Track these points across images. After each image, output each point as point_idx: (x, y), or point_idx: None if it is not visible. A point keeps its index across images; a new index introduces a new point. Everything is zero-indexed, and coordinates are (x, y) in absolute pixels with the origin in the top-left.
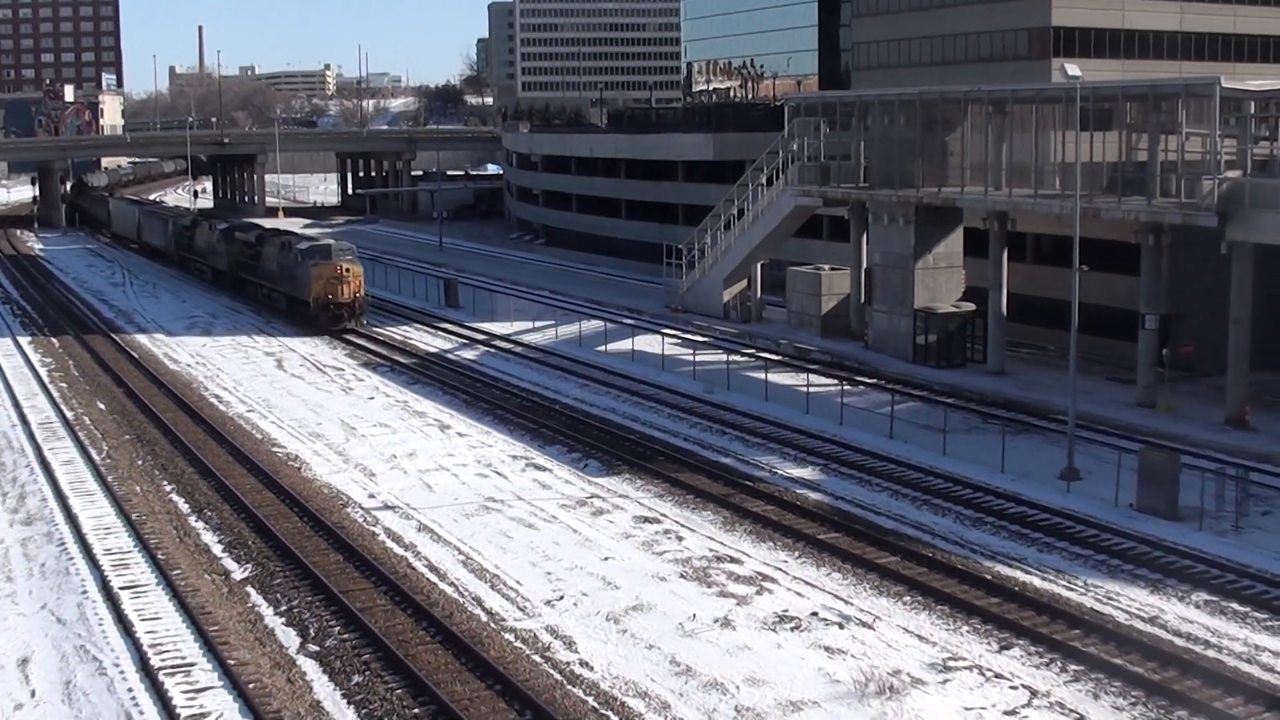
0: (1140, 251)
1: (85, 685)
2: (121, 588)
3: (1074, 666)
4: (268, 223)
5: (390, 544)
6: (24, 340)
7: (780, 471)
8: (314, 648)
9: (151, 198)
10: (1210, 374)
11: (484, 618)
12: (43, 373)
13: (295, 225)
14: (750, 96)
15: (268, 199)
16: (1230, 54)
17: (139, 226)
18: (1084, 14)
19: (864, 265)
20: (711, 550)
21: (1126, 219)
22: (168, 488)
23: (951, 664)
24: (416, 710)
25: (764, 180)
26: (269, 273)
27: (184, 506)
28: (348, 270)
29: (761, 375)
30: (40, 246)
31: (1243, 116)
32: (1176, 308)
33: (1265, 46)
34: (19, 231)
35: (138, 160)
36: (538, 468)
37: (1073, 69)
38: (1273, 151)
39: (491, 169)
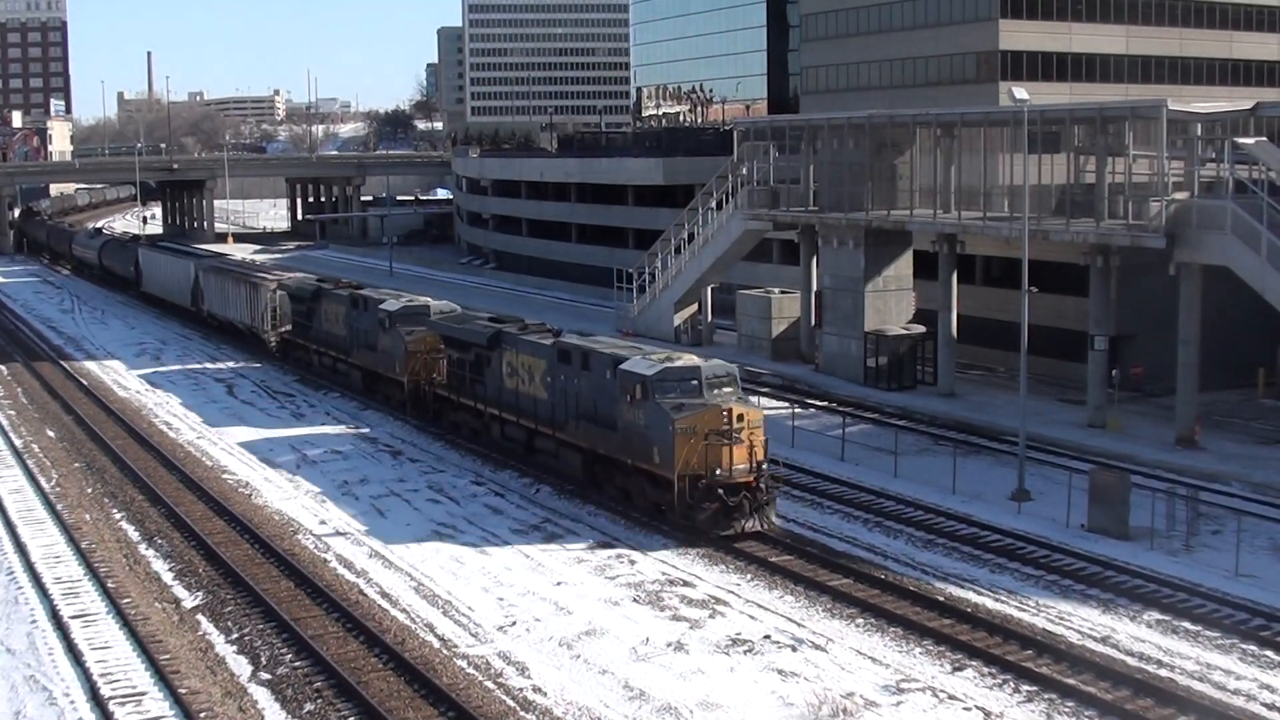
0: (1089, 273)
1: (35, 716)
2: (71, 617)
3: (1027, 687)
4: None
5: (342, 570)
6: None
7: None
8: (266, 676)
9: (100, 224)
10: (1159, 394)
11: (436, 644)
12: None
13: (245, 251)
14: (700, 121)
15: (217, 225)
16: (1177, 77)
17: (199, 291)
18: (1031, 38)
19: (814, 288)
20: (664, 574)
21: (1075, 241)
22: (117, 516)
23: (905, 686)
24: None
25: (714, 204)
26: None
27: (134, 534)
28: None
29: None
30: None
31: (1189, 139)
32: (1125, 329)
33: (1211, 69)
34: None
35: (86, 186)
36: (491, 493)
37: (1020, 92)
38: (1219, 173)
39: (441, 194)
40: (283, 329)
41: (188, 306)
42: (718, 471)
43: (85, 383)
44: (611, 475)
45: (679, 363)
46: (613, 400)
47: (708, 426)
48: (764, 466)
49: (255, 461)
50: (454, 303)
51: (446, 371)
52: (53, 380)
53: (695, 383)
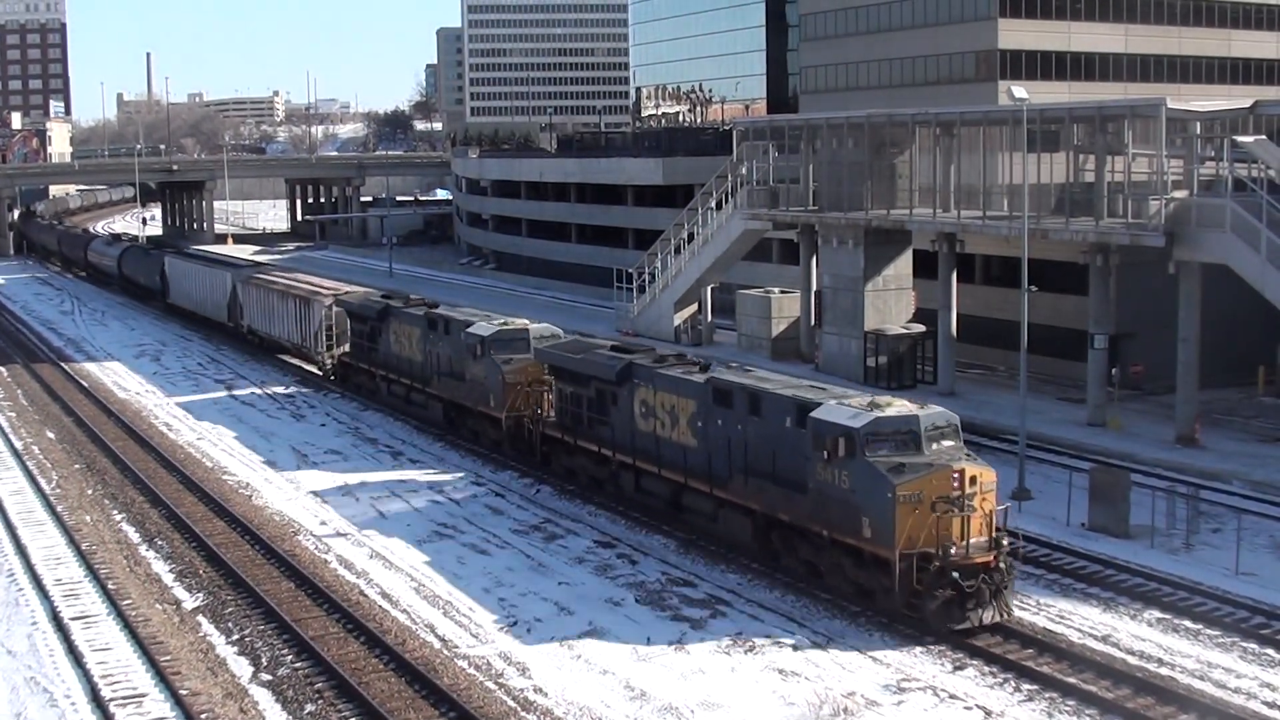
0: (1089, 272)
1: (36, 717)
2: (72, 618)
3: (1028, 686)
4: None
5: (342, 571)
6: None
7: None
8: (266, 677)
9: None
10: (1159, 392)
11: (437, 644)
12: None
13: (245, 251)
14: (699, 121)
15: (217, 226)
16: (1176, 75)
17: (237, 304)
18: (1030, 37)
19: (814, 288)
20: (665, 574)
21: (1074, 240)
22: (118, 517)
23: (906, 685)
24: None
25: (713, 204)
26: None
27: (135, 536)
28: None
29: None
30: None
31: (1188, 137)
32: (1125, 327)
33: (1210, 68)
34: None
35: (85, 188)
36: (491, 493)
37: (1019, 91)
38: (1218, 172)
39: (441, 194)
40: (340, 350)
41: (223, 321)
42: (951, 550)
43: (85, 384)
44: (795, 547)
45: (891, 410)
46: (799, 455)
47: (935, 493)
48: (1003, 541)
49: (258, 463)
50: (554, 326)
51: (556, 408)
52: (53, 382)
53: (913, 435)
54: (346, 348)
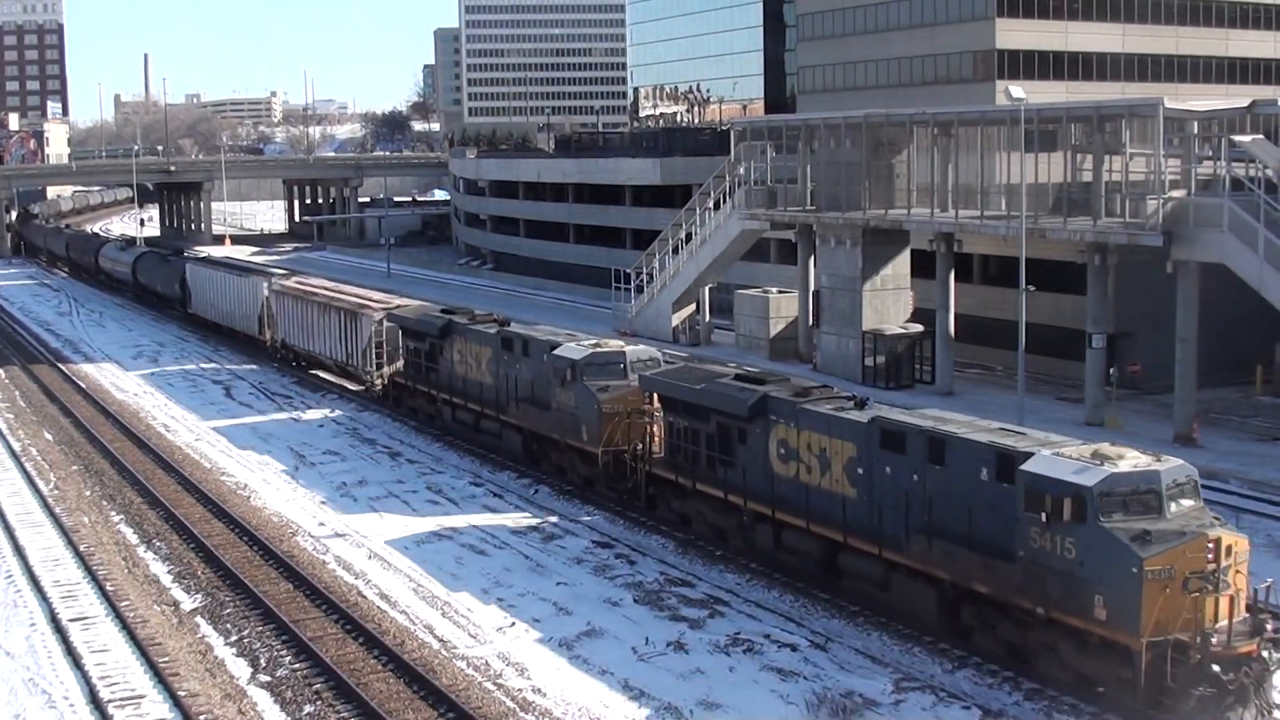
0: (1086, 271)
1: (35, 719)
2: (70, 620)
3: (1027, 685)
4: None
5: (341, 572)
6: None
7: None
8: (265, 678)
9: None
10: (1157, 392)
11: (436, 645)
12: None
13: (243, 252)
14: (697, 121)
15: (214, 227)
16: (1173, 75)
17: (269, 316)
18: (1028, 36)
19: (811, 288)
20: (663, 574)
21: (1072, 239)
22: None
23: (905, 685)
24: None
25: (711, 204)
26: None
27: (132, 537)
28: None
29: None
30: None
31: (1186, 136)
32: (1123, 327)
33: (1208, 67)
34: None
35: (81, 189)
36: (489, 494)
37: (1017, 91)
38: (1216, 171)
39: (439, 194)
40: (391, 369)
41: (252, 334)
42: (1212, 640)
43: (83, 385)
44: (994, 623)
45: (1125, 465)
46: (1003, 516)
47: (1187, 567)
48: (1266, 625)
49: (255, 464)
50: (651, 347)
51: (666, 444)
52: (51, 383)
53: (1152, 495)
54: (400, 366)
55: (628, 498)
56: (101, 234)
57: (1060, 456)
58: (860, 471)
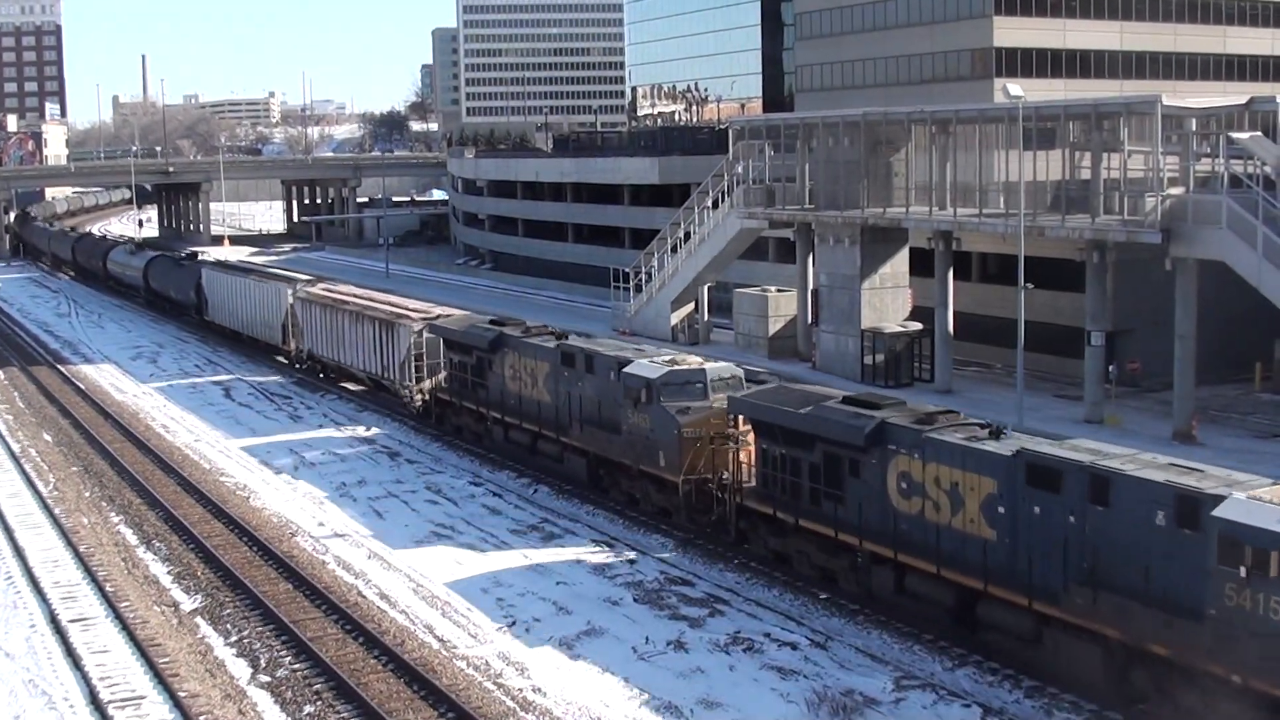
0: (1085, 269)
1: None
2: (70, 621)
3: (1027, 683)
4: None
5: (340, 572)
6: None
7: None
8: (265, 678)
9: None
10: (1156, 389)
11: (435, 645)
12: None
13: (242, 253)
14: (695, 120)
15: (213, 228)
16: (1171, 72)
17: (294, 325)
18: (1026, 34)
19: (810, 286)
20: (663, 573)
21: (1071, 237)
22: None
23: (905, 683)
24: None
25: (710, 203)
26: None
27: (132, 537)
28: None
29: None
30: None
31: (1184, 134)
32: (1122, 324)
33: (1205, 64)
34: None
35: (79, 190)
36: (489, 494)
37: (1015, 89)
38: (1214, 168)
39: (437, 194)
40: (432, 383)
41: (275, 344)
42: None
43: (82, 386)
44: (1173, 687)
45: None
46: (1187, 568)
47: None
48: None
49: (255, 464)
50: (730, 363)
51: (760, 474)
52: (49, 383)
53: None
54: (442, 380)
55: (711, 531)
56: (109, 237)
57: (1258, 501)
58: (1001, 511)
